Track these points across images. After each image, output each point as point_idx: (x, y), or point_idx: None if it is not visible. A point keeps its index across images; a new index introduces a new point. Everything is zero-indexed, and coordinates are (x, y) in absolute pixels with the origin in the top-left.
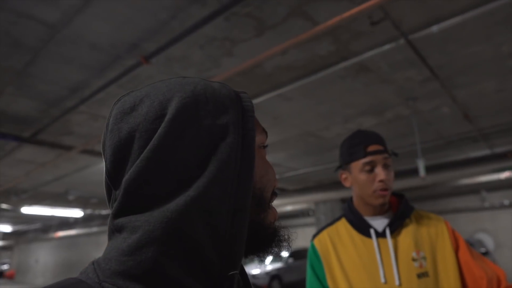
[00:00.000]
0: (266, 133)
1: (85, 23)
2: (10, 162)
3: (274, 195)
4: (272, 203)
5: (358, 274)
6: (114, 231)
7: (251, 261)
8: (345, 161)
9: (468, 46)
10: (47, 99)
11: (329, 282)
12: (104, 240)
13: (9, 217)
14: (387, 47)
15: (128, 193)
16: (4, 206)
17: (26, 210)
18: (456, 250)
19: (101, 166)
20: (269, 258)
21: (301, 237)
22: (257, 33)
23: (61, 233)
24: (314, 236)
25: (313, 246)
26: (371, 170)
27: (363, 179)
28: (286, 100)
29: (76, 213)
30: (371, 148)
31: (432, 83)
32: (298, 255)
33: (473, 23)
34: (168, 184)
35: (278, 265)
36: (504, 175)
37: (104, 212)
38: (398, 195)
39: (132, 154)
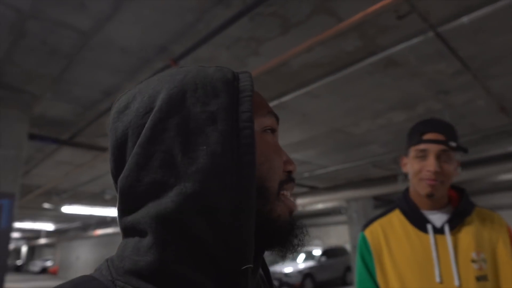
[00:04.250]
0: (274, 114)
1: (115, 29)
2: (50, 164)
3: (286, 184)
4: (288, 195)
5: (411, 271)
6: (125, 229)
7: (283, 259)
8: (406, 146)
9: (501, 35)
10: (83, 102)
11: (379, 277)
12: None
13: (51, 216)
14: (415, 40)
15: (122, 192)
16: (46, 205)
17: (66, 209)
18: None
19: None
20: (299, 255)
21: (334, 235)
22: (282, 31)
23: (99, 231)
24: (365, 226)
25: (363, 238)
26: (424, 158)
27: (414, 166)
28: (314, 98)
29: (113, 212)
30: (428, 136)
31: (464, 75)
32: (330, 253)
33: (505, 12)
34: (160, 179)
35: (310, 263)
36: None
37: None
38: (458, 190)
39: (127, 152)
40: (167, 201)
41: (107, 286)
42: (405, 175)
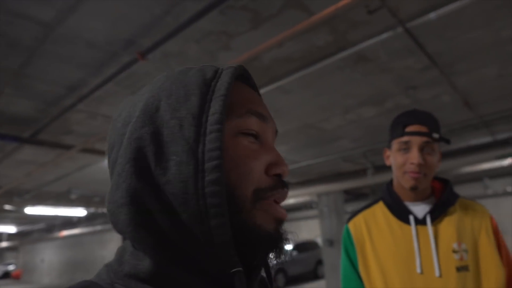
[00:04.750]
0: (257, 113)
1: (80, 21)
2: (11, 163)
3: (271, 190)
4: (272, 201)
5: (393, 263)
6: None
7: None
8: (389, 139)
9: (467, 32)
10: (45, 98)
11: (361, 268)
12: (107, 238)
13: (13, 218)
14: (385, 35)
15: (107, 205)
16: (7, 207)
17: (30, 210)
18: (498, 249)
19: (102, 164)
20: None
21: (305, 230)
22: (253, 25)
23: (65, 233)
24: (349, 219)
25: (347, 230)
26: (407, 151)
27: (397, 159)
28: (285, 93)
29: (79, 212)
30: (411, 128)
31: (431, 71)
32: (302, 247)
33: (472, 9)
34: (139, 190)
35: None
36: (507, 161)
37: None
38: (443, 181)
39: (112, 159)
40: (148, 208)
41: None
42: (374, 169)
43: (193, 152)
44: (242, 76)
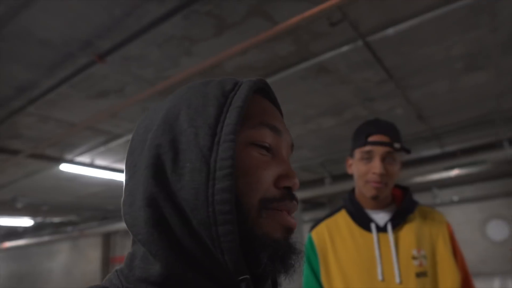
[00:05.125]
0: (270, 126)
1: (33, 18)
2: None
3: (279, 201)
4: (280, 210)
5: (355, 271)
6: (134, 239)
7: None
8: (351, 147)
9: (421, 47)
10: None
11: (323, 277)
12: (56, 249)
13: None
14: (345, 48)
15: (122, 206)
16: None
17: None
18: (454, 255)
19: (53, 171)
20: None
21: None
22: (217, 32)
23: (8, 244)
24: (312, 227)
25: (310, 239)
26: (369, 160)
27: (359, 168)
28: None
29: (25, 221)
30: (374, 138)
31: (387, 84)
32: None
33: (427, 26)
34: (155, 193)
35: None
36: (454, 172)
37: (57, 219)
38: (403, 188)
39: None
40: (162, 211)
41: None
42: (332, 178)
43: (206, 160)
44: (263, 90)
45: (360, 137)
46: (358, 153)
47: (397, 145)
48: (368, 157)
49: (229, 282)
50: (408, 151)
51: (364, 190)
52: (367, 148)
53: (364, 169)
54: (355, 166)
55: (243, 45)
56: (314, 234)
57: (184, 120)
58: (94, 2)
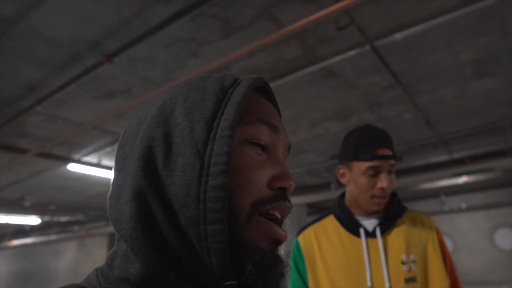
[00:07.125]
0: (268, 123)
1: (42, 17)
2: None
3: (271, 202)
4: (270, 221)
5: (343, 276)
6: (117, 236)
7: None
8: (348, 157)
9: (430, 53)
10: (1, 98)
11: (310, 282)
12: (63, 248)
13: None
14: (352, 52)
15: (109, 199)
16: None
17: None
18: (443, 260)
19: (60, 170)
20: None
21: None
22: (224, 34)
23: (16, 242)
24: (299, 232)
25: (297, 243)
26: (375, 175)
27: (363, 182)
28: None
29: (33, 220)
30: (380, 151)
31: (395, 89)
32: None
33: (435, 32)
34: (144, 187)
35: None
36: (462, 179)
37: (64, 218)
38: (391, 194)
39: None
40: (150, 206)
41: None
42: (338, 183)
43: (200, 155)
44: (263, 89)
45: (365, 150)
46: (360, 166)
47: (398, 157)
48: (373, 173)
49: (214, 287)
50: (401, 159)
51: (367, 204)
52: (375, 163)
53: (369, 184)
54: (355, 179)
55: (250, 47)
56: (301, 238)
57: (180, 113)
58: (102, 3)
